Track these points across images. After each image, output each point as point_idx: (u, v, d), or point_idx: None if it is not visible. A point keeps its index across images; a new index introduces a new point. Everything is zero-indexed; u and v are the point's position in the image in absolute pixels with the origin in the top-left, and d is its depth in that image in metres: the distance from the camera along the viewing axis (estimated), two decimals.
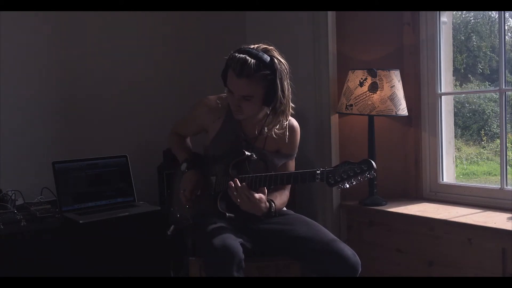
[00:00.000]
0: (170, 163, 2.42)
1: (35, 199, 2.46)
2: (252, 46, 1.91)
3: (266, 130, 2.01)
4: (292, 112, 2.03)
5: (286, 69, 1.93)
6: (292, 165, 2.16)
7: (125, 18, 2.79)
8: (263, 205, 1.94)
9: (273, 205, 2.00)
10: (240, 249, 1.81)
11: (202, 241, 1.92)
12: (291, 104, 1.99)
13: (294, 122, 2.10)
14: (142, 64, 2.89)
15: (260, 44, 1.93)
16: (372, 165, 1.77)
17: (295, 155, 2.16)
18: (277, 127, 2.00)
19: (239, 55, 1.86)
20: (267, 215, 1.99)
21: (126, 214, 2.39)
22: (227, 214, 1.98)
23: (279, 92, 1.90)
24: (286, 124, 2.03)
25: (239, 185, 1.90)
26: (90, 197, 2.50)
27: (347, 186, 1.79)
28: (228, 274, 1.76)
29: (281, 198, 2.07)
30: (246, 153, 2.00)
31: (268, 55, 1.89)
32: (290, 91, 1.95)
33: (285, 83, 1.92)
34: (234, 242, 1.82)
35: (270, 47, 1.93)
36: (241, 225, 1.99)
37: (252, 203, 1.91)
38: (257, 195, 1.91)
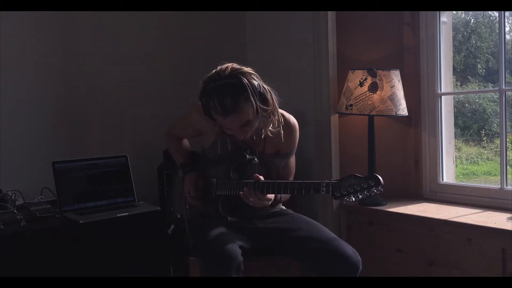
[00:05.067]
0: (170, 163, 2.42)
1: (35, 199, 2.46)
2: (211, 76, 1.85)
3: (262, 132, 2.00)
4: (283, 112, 2.03)
5: (254, 75, 1.87)
6: (293, 161, 2.16)
7: (125, 18, 2.79)
8: (271, 197, 1.96)
9: (278, 196, 2.01)
10: (238, 253, 1.81)
11: (201, 243, 1.92)
12: (276, 100, 1.94)
13: (292, 120, 2.08)
14: (142, 64, 2.88)
15: (217, 69, 1.86)
16: (380, 181, 1.74)
17: (295, 152, 2.15)
18: (270, 126, 1.97)
19: (211, 97, 1.81)
20: (274, 203, 2.03)
21: (126, 214, 2.38)
22: (228, 218, 2.00)
23: (258, 103, 1.85)
24: (281, 121, 2.00)
25: (249, 192, 1.90)
26: (90, 197, 2.50)
27: (353, 199, 1.76)
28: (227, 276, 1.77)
29: None
30: (248, 156, 2.00)
31: (232, 75, 1.83)
32: (269, 91, 1.90)
33: (261, 90, 1.86)
34: (232, 245, 1.82)
35: (227, 65, 1.86)
36: (241, 226, 1.99)
37: (264, 202, 1.92)
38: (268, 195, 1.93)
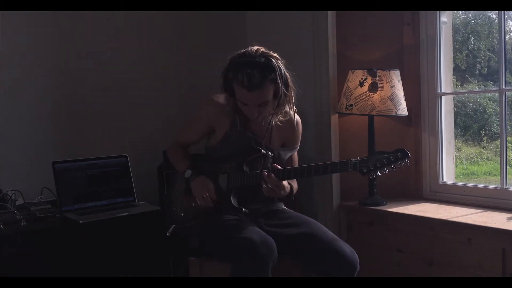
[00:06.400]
0: (170, 163, 2.42)
1: (35, 199, 2.46)
2: (242, 53, 1.93)
3: (272, 120, 2.06)
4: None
5: (281, 61, 1.96)
6: (296, 156, 2.22)
7: (125, 18, 2.79)
8: (288, 187, 2.03)
9: (293, 187, 2.08)
10: (275, 246, 1.85)
11: (228, 237, 1.91)
12: (295, 90, 2.02)
13: (297, 117, 2.17)
14: (142, 64, 2.88)
15: (248, 49, 1.94)
16: (407, 153, 1.83)
17: (298, 148, 2.22)
18: (281, 115, 2.06)
19: (240, 69, 1.88)
20: (288, 196, 2.09)
21: (126, 214, 2.38)
22: (243, 209, 2.02)
23: (282, 86, 1.94)
24: (294, 111, 2.07)
25: (270, 177, 1.95)
26: (90, 197, 2.50)
27: (379, 174, 1.83)
28: (266, 270, 1.80)
29: (295, 182, 2.13)
30: (263, 151, 2.03)
31: (263, 56, 1.91)
32: (292, 79, 1.99)
33: (284, 76, 1.95)
34: (270, 238, 1.87)
35: (257, 47, 1.95)
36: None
37: (281, 189, 1.99)
38: (284, 182, 1.99)
